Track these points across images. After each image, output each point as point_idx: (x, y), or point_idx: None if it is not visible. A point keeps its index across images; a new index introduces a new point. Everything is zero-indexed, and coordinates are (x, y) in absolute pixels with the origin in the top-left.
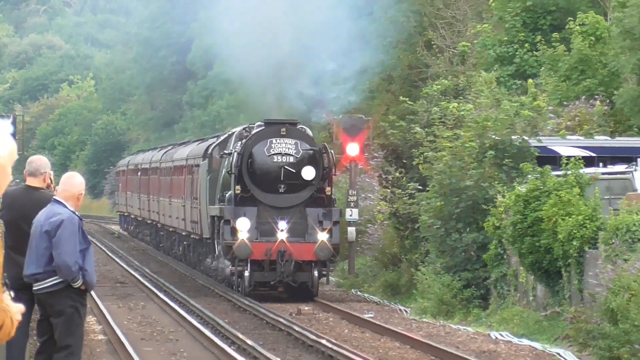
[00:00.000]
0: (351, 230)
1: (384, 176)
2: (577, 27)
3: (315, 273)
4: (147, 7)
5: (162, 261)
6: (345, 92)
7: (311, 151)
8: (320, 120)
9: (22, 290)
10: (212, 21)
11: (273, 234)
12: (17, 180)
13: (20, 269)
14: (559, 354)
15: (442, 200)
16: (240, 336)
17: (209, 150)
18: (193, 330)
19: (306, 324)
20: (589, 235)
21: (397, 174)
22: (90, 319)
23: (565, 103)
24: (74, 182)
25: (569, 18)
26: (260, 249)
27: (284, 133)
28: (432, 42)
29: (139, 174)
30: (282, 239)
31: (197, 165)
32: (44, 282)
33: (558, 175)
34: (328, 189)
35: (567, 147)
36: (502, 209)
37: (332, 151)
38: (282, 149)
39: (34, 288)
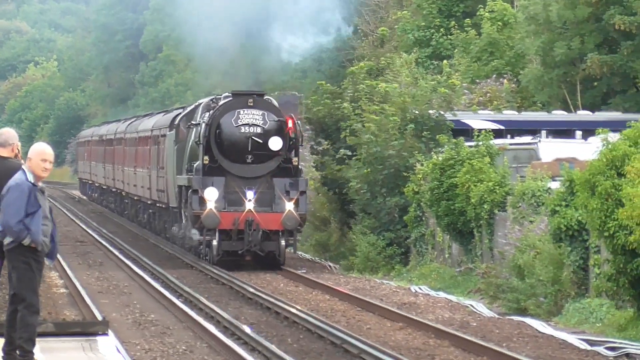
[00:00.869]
0: None
1: (315, 147)
2: (487, 13)
3: (283, 242)
4: None
5: (118, 222)
6: (277, 71)
7: (278, 122)
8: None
9: None
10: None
11: (241, 203)
12: None
13: None
14: (472, 305)
15: (368, 167)
16: (187, 289)
17: (176, 121)
18: (145, 284)
19: (246, 279)
20: (498, 199)
21: (326, 145)
22: (53, 275)
23: (477, 81)
24: (32, 150)
25: (480, 5)
26: (228, 218)
27: (252, 104)
28: (358, 27)
29: (103, 144)
30: (250, 209)
31: (164, 136)
32: (4, 240)
33: (471, 146)
34: (295, 159)
35: (479, 121)
36: (420, 176)
37: (299, 122)
38: (250, 120)
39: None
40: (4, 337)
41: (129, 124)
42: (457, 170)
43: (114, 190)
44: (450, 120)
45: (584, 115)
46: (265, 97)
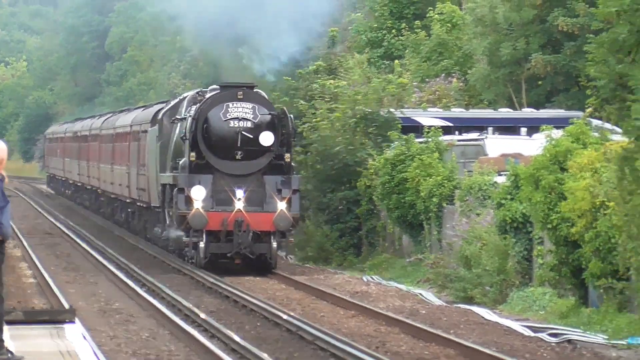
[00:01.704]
0: None
1: None
2: (436, 15)
3: (274, 244)
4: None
5: (84, 215)
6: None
7: (269, 116)
8: None
9: None
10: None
11: (230, 203)
12: None
13: None
14: (421, 294)
15: (319, 163)
16: (150, 279)
17: (159, 116)
18: (110, 274)
19: (207, 269)
20: (446, 193)
21: None
22: (22, 265)
23: (426, 80)
24: None
25: (429, 8)
26: (216, 218)
27: (241, 97)
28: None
29: (78, 141)
30: (239, 209)
31: (145, 132)
32: None
33: (420, 142)
34: (287, 155)
35: (428, 118)
36: (372, 171)
37: (291, 116)
38: (239, 114)
39: None
40: None
41: (105, 120)
42: (407, 165)
43: (88, 187)
44: (400, 117)
45: (528, 112)
46: (255, 89)
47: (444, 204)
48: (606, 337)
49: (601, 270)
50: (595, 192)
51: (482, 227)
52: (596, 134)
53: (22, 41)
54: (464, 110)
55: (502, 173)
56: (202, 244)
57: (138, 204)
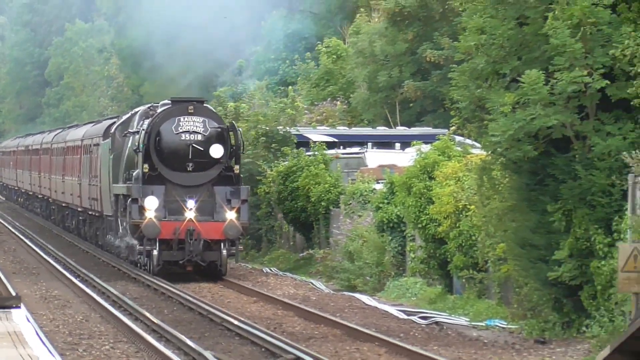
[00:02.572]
0: None
1: None
2: (324, 48)
3: (224, 252)
4: (17, 35)
5: (28, 217)
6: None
7: (219, 129)
8: None
9: None
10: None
11: (181, 212)
12: None
13: None
14: (312, 283)
15: None
16: (84, 271)
17: (112, 130)
18: (50, 267)
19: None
20: (333, 198)
21: None
22: None
23: (315, 103)
24: None
25: (318, 42)
26: (168, 227)
27: (192, 111)
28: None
29: (29, 154)
30: (191, 218)
31: (97, 145)
32: None
33: (310, 155)
34: (236, 167)
35: (317, 135)
36: (270, 180)
37: (240, 129)
38: (190, 127)
39: None
40: None
41: (56, 135)
42: (298, 175)
43: (40, 196)
44: (294, 134)
45: (402, 130)
46: (205, 104)
47: (331, 207)
48: (468, 319)
49: (463, 263)
50: (458, 197)
51: (363, 226)
52: (459, 148)
53: None
54: (347, 128)
55: (379, 181)
56: (155, 252)
57: (90, 212)
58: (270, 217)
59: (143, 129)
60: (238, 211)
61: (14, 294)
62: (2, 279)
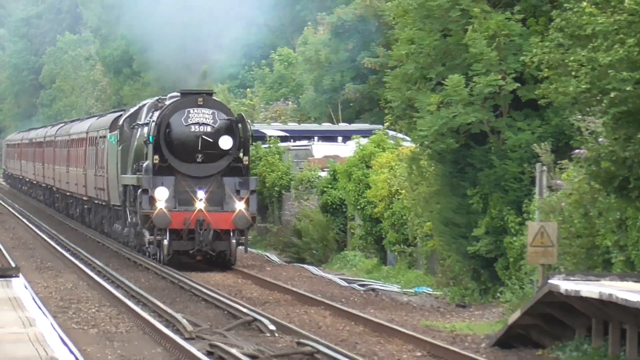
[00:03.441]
0: None
1: None
2: (277, 56)
3: (234, 242)
4: (15, 45)
5: (26, 200)
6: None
7: (228, 121)
8: None
9: None
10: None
11: (191, 203)
12: None
13: None
14: (267, 255)
15: None
16: (73, 245)
17: (120, 122)
18: (44, 242)
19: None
20: (285, 184)
21: None
22: None
23: (270, 103)
24: None
25: (272, 51)
26: (178, 218)
27: (202, 103)
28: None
29: (33, 146)
30: (201, 208)
31: (103, 137)
32: None
33: (265, 147)
34: (245, 158)
35: (272, 130)
36: None
37: (248, 121)
38: (200, 119)
39: None
40: None
41: (59, 129)
42: (257, 164)
43: (43, 185)
44: (253, 129)
45: (343, 126)
46: (214, 96)
47: (283, 192)
48: (399, 287)
49: (396, 239)
50: (391, 183)
51: (310, 208)
52: (392, 142)
53: None
54: (297, 124)
55: (324, 169)
56: (165, 242)
57: (95, 201)
58: None
59: (153, 121)
60: (247, 202)
61: (13, 265)
62: (4, 252)
